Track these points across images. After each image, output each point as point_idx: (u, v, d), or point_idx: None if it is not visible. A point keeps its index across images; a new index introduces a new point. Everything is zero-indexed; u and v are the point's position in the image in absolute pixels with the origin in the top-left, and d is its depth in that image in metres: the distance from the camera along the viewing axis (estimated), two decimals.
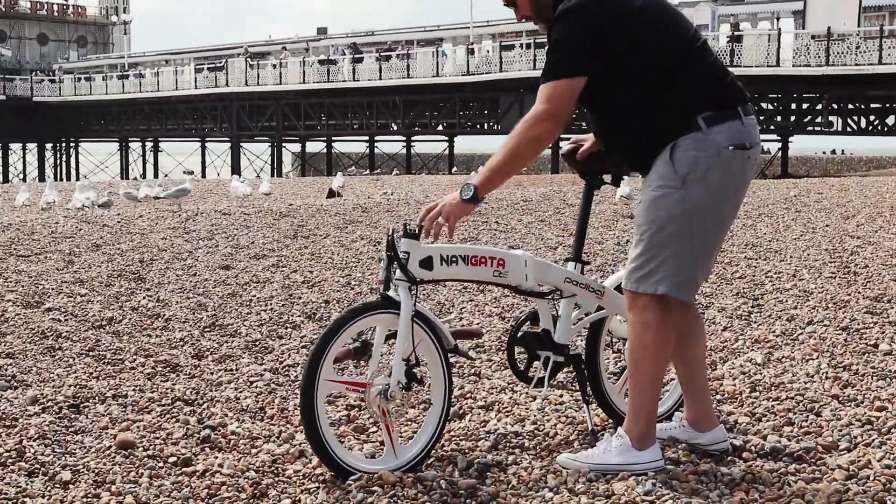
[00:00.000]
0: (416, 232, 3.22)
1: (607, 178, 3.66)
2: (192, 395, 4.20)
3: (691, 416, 3.53)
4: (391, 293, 3.24)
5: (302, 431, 3.69)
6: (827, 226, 10.56)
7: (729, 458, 3.45)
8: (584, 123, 28.65)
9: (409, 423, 3.82)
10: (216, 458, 3.44)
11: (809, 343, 5.17)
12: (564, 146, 3.72)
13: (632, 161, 3.36)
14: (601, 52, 3.14)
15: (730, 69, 3.36)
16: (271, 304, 6.23)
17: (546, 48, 3.26)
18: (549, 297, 3.58)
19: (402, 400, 3.26)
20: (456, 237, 9.29)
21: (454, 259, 3.30)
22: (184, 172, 50.43)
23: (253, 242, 9.18)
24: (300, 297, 6.45)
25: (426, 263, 3.24)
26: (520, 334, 3.63)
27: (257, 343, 5.21)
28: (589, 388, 3.69)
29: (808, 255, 8.44)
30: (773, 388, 4.34)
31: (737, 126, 3.19)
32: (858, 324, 5.63)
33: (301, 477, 3.26)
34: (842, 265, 7.86)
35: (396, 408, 3.28)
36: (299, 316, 5.87)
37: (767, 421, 3.87)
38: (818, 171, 42.12)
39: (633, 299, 3.27)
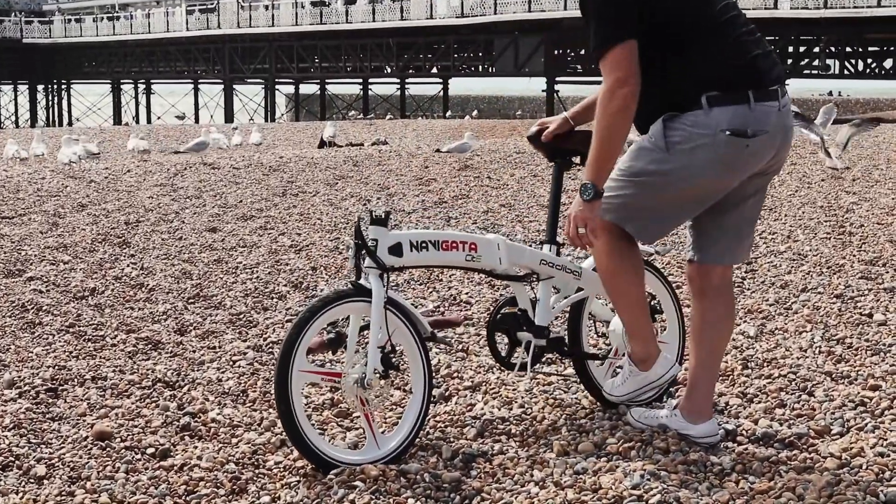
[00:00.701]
0: (384, 217, 3.14)
1: (576, 159, 3.56)
2: (174, 376, 4.12)
3: (688, 406, 3.44)
4: (362, 281, 3.16)
5: None
6: (823, 180, 10.45)
7: (722, 445, 3.38)
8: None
9: (395, 407, 3.74)
10: (195, 448, 3.36)
11: (803, 313, 5.09)
12: (530, 129, 3.66)
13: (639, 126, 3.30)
14: (637, 13, 3.08)
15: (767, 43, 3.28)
16: (257, 271, 6.14)
17: (585, 15, 3.17)
18: (526, 280, 3.51)
19: (380, 388, 3.18)
20: (447, 195, 9.19)
21: (424, 245, 3.24)
22: (175, 117, 50.09)
23: (241, 201, 9.06)
24: (287, 264, 6.35)
25: (395, 250, 3.18)
26: (499, 317, 3.57)
27: (241, 316, 5.12)
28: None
29: (804, 213, 8.34)
30: (765, 364, 4.27)
31: (742, 111, 3.08)
32: (853, 291, 5.55)
33: (282, 469, 3.19)
34: (837, 224, 7.77)
35: (375, 396, 3.20)
36: (285, 285, 5.78)
37: (759, 402, 3.80)
38: (814, 114, 41.82)
39: (603, 229, 3.26)
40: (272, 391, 3.86)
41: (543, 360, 3.81)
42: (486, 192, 9.53)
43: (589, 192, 3.10)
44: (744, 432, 3.48)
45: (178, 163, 12.83)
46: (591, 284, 3.55)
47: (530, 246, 3.49)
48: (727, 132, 3.04)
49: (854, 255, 6.51)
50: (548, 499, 2.94)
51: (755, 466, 3.18)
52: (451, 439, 3.42)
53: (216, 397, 3.89)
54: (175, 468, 3.17)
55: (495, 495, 3.00)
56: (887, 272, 6.05)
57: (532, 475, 3.12)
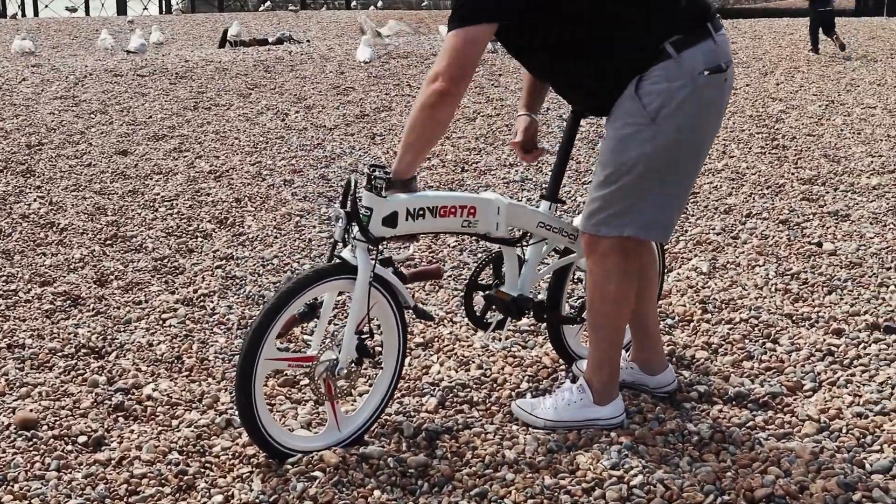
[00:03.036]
0: (382, 185, 2.76)
1: None
2: (99, 340, 3.78)
3: (641, 358, 3.29)
4: (346, 255, 2.84)
5: (226, 390, 3.35)
6: (747, 85, 10.32)
7: (695, 406, 3.22)
8: None
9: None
10: (132, 432, 3.06)
11: (753, 244, 4.95)
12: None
13: (592, 105, 2.97)
14: None
15: None
16: (177, 204, 5.74)
17: None
18: (518, 243, 3.21)
19: (351, 378, 2.91)
20: (368, 107, 8.80)
21: (421, 212, 2.88)
22: (66, 8, 47.67)
23: (150, 117, 8.53)
24: (208, 194, 5.95)
25: (390, 220, 2.82)
26: (481, 279, 3.31)
27: (166, 261, 4.76)
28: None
29: (734, 123, 8.20)
30: (724, 306, 4.12)
31: (709, 46, 2.79)
32: (798, 216, 5.44)
33: (231, 457, 2.92)
34: (769, 136, 7.65)
35: (345, 386, 2.93)
36: (209, 221, 5.41)
37: (725, 354, 3.65)
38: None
39: (594, 244, 2.93)
40: (216, 349, 3.59)
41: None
42: (409, 102, 9.15)
43: (379, 182, 2.76)
44: (716, 391, 3.32)
45: (77, 69, 12.09)
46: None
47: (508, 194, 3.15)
48: (706, 72, 2.76)
49: (792, 174, 6.40)
50: (525, 487, 2.74)
51: (734, 434, 3.03)
52: (411, 413, 3.18)
53: (149, 366, 3.57)
54: (113, 462, 2.87)
55: (467, 482, 2.78)
56: (827, 192, 5.96)
57: (504, 455, 2.91)
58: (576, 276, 3.75)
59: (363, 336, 2.87)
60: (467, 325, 3.91)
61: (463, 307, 3.40)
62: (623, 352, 3.28)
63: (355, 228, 2.79)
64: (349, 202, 2.77)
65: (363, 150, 7.15)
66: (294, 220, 5.40)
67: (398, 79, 10.59)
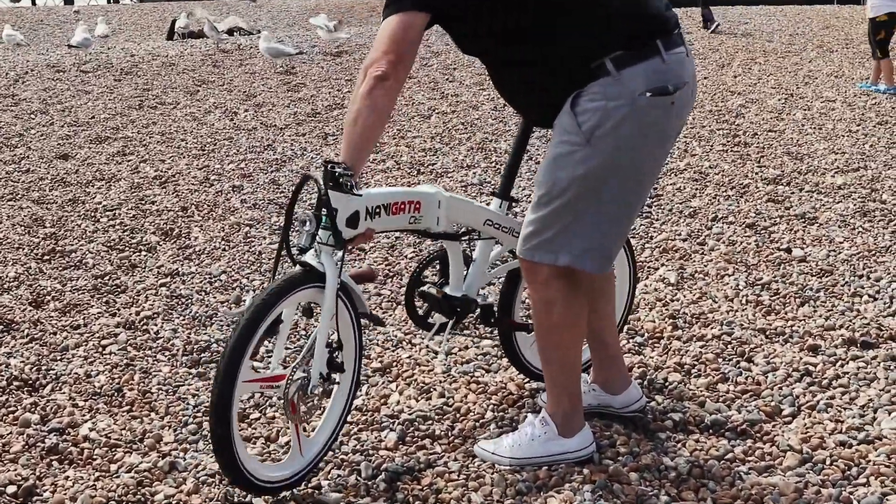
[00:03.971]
0: (350, 183, 2.56)
1: None
2: (33, 371, 3.52)
3: (601, 378, 3.10)
4: (311, 260, 2.60)
5: (169, 427, 3.11)
6: (706, 77, 10.19)
7: (671, 436, 3.04)
8: None
9: None
10: (67, 479, 2.82)
11: (720, 251, 4.79)
12: None
13: (533, 115, 2.77)
14: None
15: None
16: (120, 214, 5.46)
17: None
18: (463, 238, 3.02)
19: (319, 396, 2.69)
20: (320, 105, 8.55)
21: (377, 210, 2.70)
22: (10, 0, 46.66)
23: (93, 117, 8.20)
24: (153, 202, 5.68)
25: (352, 220, 2.62)
26: (424, 288, 3.09)
27: (107, 278, 4.49)
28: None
29: (694, 119, 8.06)
30: (694, 321, 3.95)
31: (655, 65, 2.57)
32: (765, 219, 5.29)
33: None
34: (730, 133, 7.51)
35: (313, 405, 2.70)
36: (154, 233, 5.14)
37: (699, 376, 3.48)
38: None
39: (532, 271, 2.74)
40: (160, 380, 3.34)
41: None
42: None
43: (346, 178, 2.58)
44: (692, 419, 3.15)
45: (18, 64, 11.68)
46: None
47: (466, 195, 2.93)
48: (647, 94, 2.54)
49: (756, 174, 6.26)
50: None
51: (713, 469, 2.86)
52: (370, 451, 2.96)
53: (86, 400, 3.32)
54: None
55: None
56: (793, 193, 5.83)
57: (470, 500, 2.71)
58: None
59: (332, 349, 2.66)
60: (427, 347, 3.70)
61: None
62: (584, 374, 3.10)
63: (321, 232, 2.58)
64: (319, 202, 2.56)
65: (315, 152, 6.91)
66: (243, 230, 5.15)
67: (350, 74, 10.33)
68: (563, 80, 2.57)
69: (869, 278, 4.41)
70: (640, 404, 3.11)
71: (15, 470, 2.85)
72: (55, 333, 3.88)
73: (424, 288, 3.09)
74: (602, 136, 2.53)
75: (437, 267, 3.12)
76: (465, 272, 3.06)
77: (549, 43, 2.55)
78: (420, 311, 3.14)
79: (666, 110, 2.58)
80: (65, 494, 2.73)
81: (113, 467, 2.89)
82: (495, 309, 3.17)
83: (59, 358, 3.65)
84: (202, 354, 3.67)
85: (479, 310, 3.12)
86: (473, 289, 3.06)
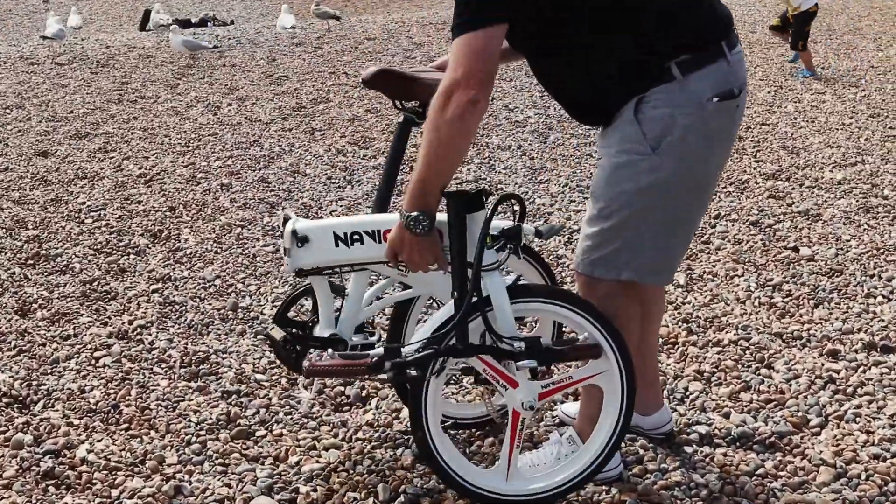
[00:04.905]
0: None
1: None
2: (22, 387, 3.34)
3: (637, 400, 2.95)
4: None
5: (171, 447, 2.95)
6: None
7: (697, 451, 2.92)
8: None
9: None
10: None
11: (727, 250, 4.67)
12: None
13: (587, 118, 2.61)
14: None
15: None
16: (105, 215, 5.26)
17: None
18: (330, 272, 2.65)
19: None
20: (305, 98, 8.36)
21: None
22: None
23: (72, 111, 7.97)
24: (139, 202, 5.49)
25: None
26: (290, 314, 2.80)
27: (96, 284, 4.31)
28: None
29: None
30: (708, 325, 3.83)
31: (722, 69, 2.42)
32: (768, 216, 5.17)
33: None
34: None
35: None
36: (142, 235, 4.95)
37: (720, 385, 3.36)
38: None
39: (591, 286, 2.60)
40: (159, 394, 3.07)
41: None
42: (348, 93, 8.72)
43: (423, 226, 2.36)
44: (717, 431, 3.03)
45: None
46: (422, 283, 2.71)
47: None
48: (715, 99, 2.39)
49: (755, 169, 6.14)
50: None
51: (746, 486, 2.74)
52: (385, 471, 2.82)
53: (81, 418, 3.15)
54: None
55: None
56: (793, 188, 5.72)
57: None
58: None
59: None
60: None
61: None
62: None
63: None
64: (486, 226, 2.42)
65: (303, 148, 6.73)
66: (235, 231, 4.98)
67: (333, 66, 10.13)
68: (625, 83, 2.41)
69: (881, 278, 4.31)
70: (670, 427, 2.98)
71: (9, 497, 2.69)
72: (44, 345, 3.70)
73: (288, 329, 2.74)
74: (669, 145, 2.39)
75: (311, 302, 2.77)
76: (336, 308, 2.71)
77: (613, 46, 2.39)
78: (291, 353, 2.70)
79: (731, 114, 2.46)
80: None
81: (114, 493, 2.73)
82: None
83: (49, 371, 3.48)
84: (201, 366, 3.51)
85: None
86: (347, 327, 2.67)
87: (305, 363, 2.58)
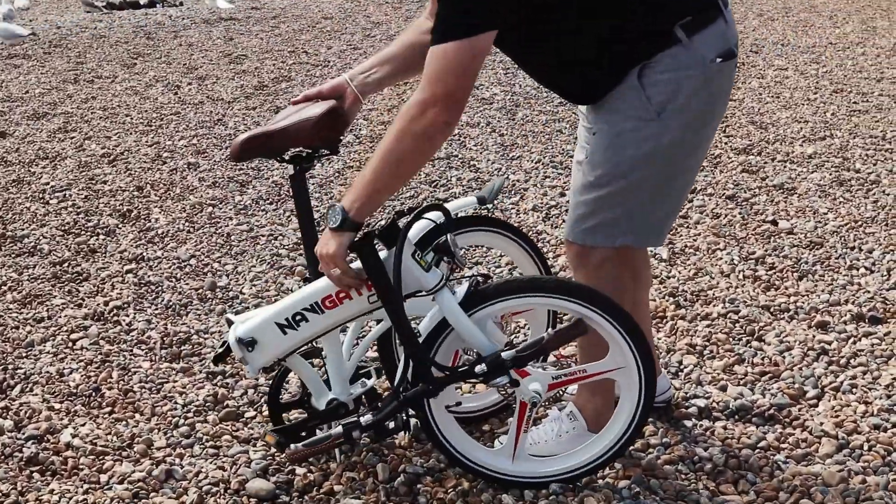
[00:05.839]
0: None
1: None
2: None
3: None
4: None
5: (159, 430, 2.85)
6: None
7: (697, 424, 2.88)
8: None
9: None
10: (52, 493, 2.55)
11: (706, 224, 4.64)
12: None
13: (582, 99, 2.53)
14: None
15: None
16: (71, 195, 5.11)
17: None
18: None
19: None
20: (266, 77, 8.21)
21: None
22: None
23: (27, 92, 7.75)
24: (105, 182, 5.33)
25: None
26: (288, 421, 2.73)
27: (66, 265, 4.17)
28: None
29: None
30: (695, 298, 3.80)
31: (721, 28, 2.39)
32: (743, 190, 5.16)
33: None
34: None
35: None
36: (110, 215, 4.81)
37: (713, 358, 3.33)
38: None
39: (583, 255, 2.54)
40: (142, 375, 2.94)
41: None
42: (309, 71, 8.58)
43: (336, 221, 2.26)
44: (716, 404, 2.99)
45: None
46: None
47: None
48: (718, 59, 2.36)
49: (726, 143, 6.13)
50: None
51: (750, 459, 2.70)
52: (384, 450, 2.74)
53: (62, 402, 3.04)
54: None
55: None
56: (766, 163, 5.71)
57: (501, 501, 2.51)
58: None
59: None
60: None
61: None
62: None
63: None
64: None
65: None
66: (206, 210, 4.86)
67: (293, 45, 9.97)
68: (628, 52, 2.34)
69: (861, 250, 4.30)
70: (669, 395, 2.94)
71: None
72: (17, 328, 3.56)
73: (288, 420, 2.73)
74: (674, 110, 2.34)
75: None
76: (317, 374, 2.63)
77: (615, 14, 2.32)
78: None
79: (731, 74, 2.44)
80: (51, 500, 2.46)
81: (103, 478, 2.62)
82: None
83: (24, 355, 3.35)
84: (182, 347, 3.40)
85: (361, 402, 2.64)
86: (340, 387, 2.59)
87: (286, 451, 2.52)
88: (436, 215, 2.43)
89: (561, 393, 2.97)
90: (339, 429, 2.45)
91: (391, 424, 2.46)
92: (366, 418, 2.44)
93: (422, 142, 2.19)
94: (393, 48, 2.62)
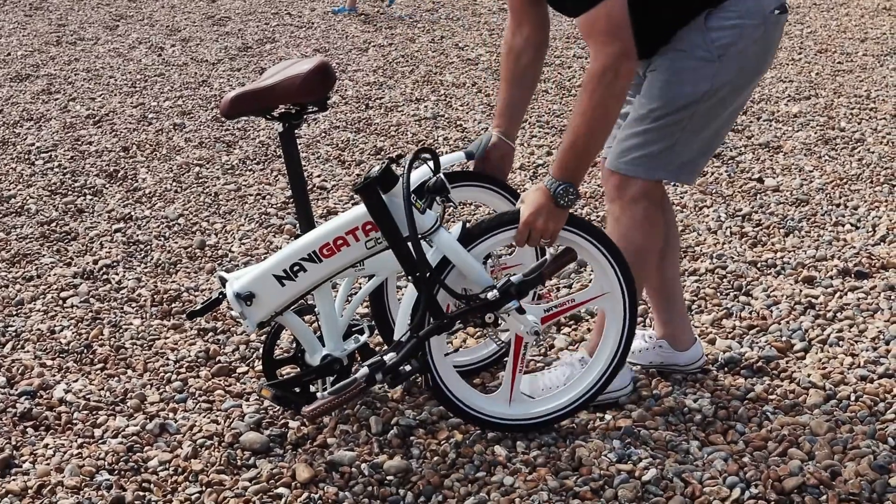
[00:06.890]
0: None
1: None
2: None
3: (669, 333, 2.92)
4: None
5: (151, 386, 2.87)
6: None
7: (689, 378, 2.91)
8: None
9: None
10: (47, 447, 2.56)
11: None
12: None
13: (648, 43, 2.57)
14: None
15: None
16: (57, 156, 5.08)
17: None
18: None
19: None
20: (250, 38, 8.16)
21: None
22: None
23: (9, 54, 7.68)
24: (90, 143, 5.31)
25: None
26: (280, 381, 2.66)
27: (54, 225, 4.16)
28: None
29: None
30: (684, 255, 3.83)
31: None
32: (729, 149, 5.19)
33: (173, 472, 2.46)
34: None
35: None
36: (97, 175, 4.79)
37: (702, 312, 3.36)
38: None
39: (623, 186, 2.60)
40: (133, 333, 2.94)
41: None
42: (293, 32, 8.53)
43: (570, 198, 2.40)
44: (707, 356, 3.02)
45: None
46: (383, 266, 2.60)
47: None
48: (776, 11, 2.50)
49: None
50: (529, 492, 2.37)
51: (739, 410, 2.74)
52: (376, 403, 2.76)
53: (54, 359, 3.04)
54: (31, 491, 2.37)
55: (458, 489, 2.40)
56: (752, 122, 5.73)
57: (494, 452, 2.53)
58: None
59: None
60: None
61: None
62: (647, 332, 2.97)
63: None
64: None
65: None
66: (194, 170, 4.84)
67: (276, 7, 9.90)
68: (690, 6, 2.48)
69: (846, 206, 4.34)
70: (703, 361, 2.96)
71: None
72: (6, 286, 3.56)
73: (279, 375, 2.72)
74: (734, 54, 2.47)
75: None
76: (310, 331, 2.63)
77: None
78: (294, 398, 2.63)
79: (782, 27, 2.57)
80: (48, 464, 2.48)
81: (97, 432, 2.63)
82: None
83: (15, 313, 3.35)
84: (173, 304, 3.41)
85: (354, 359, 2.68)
86: (335, 341, 2.61)
87: (304, 411, 2.47)
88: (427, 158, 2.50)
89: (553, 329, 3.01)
90: (363, 371, 2.42)
91: (408, 367, 2.45)
92: (389, 356, 2.44)
93: (622, 97, 2.36)
94: (508, 92, 2.73)
